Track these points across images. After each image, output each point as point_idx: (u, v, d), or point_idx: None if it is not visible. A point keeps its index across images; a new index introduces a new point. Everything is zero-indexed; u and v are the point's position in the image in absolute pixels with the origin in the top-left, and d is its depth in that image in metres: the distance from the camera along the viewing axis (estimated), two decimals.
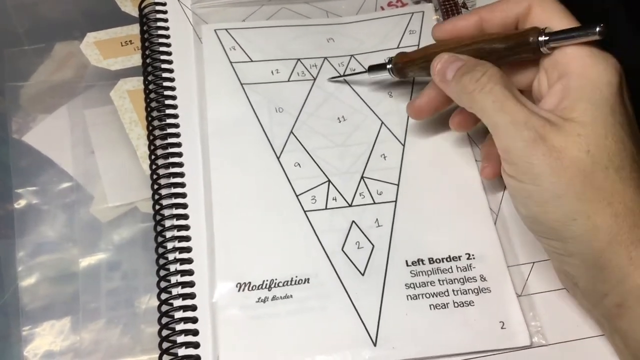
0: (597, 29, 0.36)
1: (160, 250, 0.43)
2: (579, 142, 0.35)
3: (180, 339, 0.41)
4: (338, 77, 0.51)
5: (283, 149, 0.47)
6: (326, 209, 0.45)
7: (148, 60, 0.50)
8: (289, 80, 0.50)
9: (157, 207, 0.45)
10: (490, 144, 0.44)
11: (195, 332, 0.41)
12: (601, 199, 0.35)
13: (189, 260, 0.43)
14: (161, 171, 0.46)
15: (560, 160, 0.35)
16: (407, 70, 0.46)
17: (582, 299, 0.40)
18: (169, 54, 0.50)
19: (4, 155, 0.50)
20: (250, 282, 0.42)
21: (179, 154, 0.46)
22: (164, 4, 0.52)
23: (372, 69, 0.49)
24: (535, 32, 0.39)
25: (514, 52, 0.40)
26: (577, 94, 0.37)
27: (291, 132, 0.48)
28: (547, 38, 0.38)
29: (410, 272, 0.43)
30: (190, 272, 0.42)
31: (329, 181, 0.46)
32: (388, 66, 0.47)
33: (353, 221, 0.45)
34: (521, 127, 0.36)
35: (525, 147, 0.36)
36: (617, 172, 0.35)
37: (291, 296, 0.42)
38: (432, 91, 0.45)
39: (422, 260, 0.43)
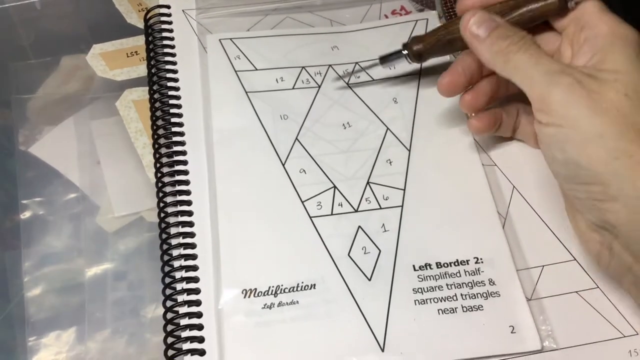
0: None
1: (166, 257, 0.43)
2: (616, 86, 0.36)
3: (186, 346, 0.40)
4: (346, 76, 0.51)
5: (288, 155, 0.47)
6: (332, 214, 0.45)
7: (153, 71, 0.50)
8: (293, 88, 0.50)
9: (163, 215, 0.44)
10: (479, 93, 0.45)
11: (201, 339, 0.40)
12: None
13: (195, 268, 0.42)
14: (166, 179, 0.46)
15: (599, 102, 0.36)
16: (428, 50, 0.46)
17: (620, 257, 0.38)
18: (174, 63, 0.50)
19: (11, 166, 0.50)
20: (256, 289, 0.42)
21: (185, 162, 0.46)
22: (169, 15, 0.53)
23: (384, 59, 0.48)
24: None
25: (542, 15, 0.41)
26: (608, 48, 0.38)
27: (296, 139, 0.48)
28: None
29: (418, 277, 0.42)
30: (195, 279, 0.42)
31: (335, 187, 0.46)
32: (404, 52, 0.47)
33: (359, 226, 0.44)
34: (558, 74, 0.37)
35: (564, 92, 0.36)
36: None
37: (297, 302, 0.42)
38: (462, 63, 0.45)
39: (429, 265, 0.43)
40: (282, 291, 0.42)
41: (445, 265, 0.43)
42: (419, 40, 0.46)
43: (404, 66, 0.51)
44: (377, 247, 0.44)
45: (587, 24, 0.40)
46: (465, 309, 0.41)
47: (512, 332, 0.41)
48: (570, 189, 0.39)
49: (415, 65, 0.50)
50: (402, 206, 0.45)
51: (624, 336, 0.41)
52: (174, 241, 0.44)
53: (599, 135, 0.35)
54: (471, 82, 0.46)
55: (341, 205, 0.45)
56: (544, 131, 0.38)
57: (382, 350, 0.40)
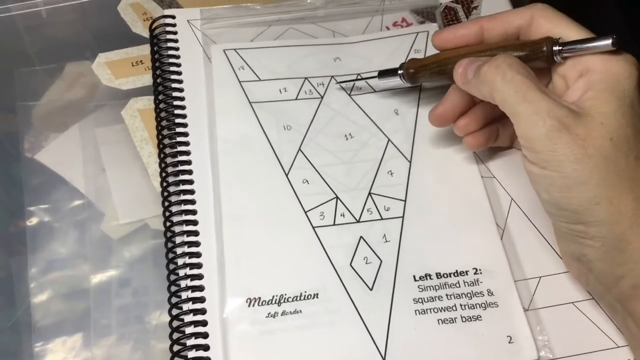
0: (611, 40, 0.38)
1: (171, 266, 0.44)
2: (602, 130, 0.36)
3: (191, 354, 0.41)
4: (348, 81, 0.51)
5: (291, 166, 0.48)
6: (334, 224, 0.46)
7: (158, 80, 0.51)
8: (296, 99, 0.51)
9: (168, 223, 0.45)
10: (473, 118, 0.46)
11: (206, 348, 0.41)
12: (623, 184, 0.36)
13: (200, 276, 0.43)
14: (172, 188, 0.46)
15: (584, 148, 0.36)
16: (419, 75, 0.47)
17: (595, 284, 0.41)
18: (179, 73, 0.51)
19: (17, 173, 0.50)
20: (260, 298, 0.43)
21: (189, 172, 0.47)
22: (174, 25, 0.53)
23: (383, 74, 0.49)
24: (550, 42, 0.40)
25: (527, 60, 0.41)
26: (599, 86, 0.38)
27: (299, 149, 0.49)
28: (560, 48, 0.40)
29: (418, 287, 0.43)
30: (200, 288, 0.43)
31: (337, 197, 0.47)
32: (399, 71, 0.48)
33: (361, 237, 0.45)
34: (544, 116, 0.37)
35: (549, 136, 0.36)
36: (636, 160, 0.37)
37: (300, 311, 0.42)
38: (453, 96, 0.46)
39: (429, 275, 0.44)
40: (286, 300, 0.43)
41: (445, 275, 0.44)
42: (414, 62, 0.47)
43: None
44: (378, 257, 0.44)
45: (580, 61, 0.39)
46: (464, 319, 0.42)
47: (509, 342, 0.42)
48: (554, 221, 0.40)
49: None
50: (402, 217, 0.46)
51: (618, 346, 0.42)
52: (179, 250, 0.44)
53: (582, 182, 0.36)
54: (462, 113, 0.46)
55: (343, 215, 0.46)
56: (529, 168, 0.39)
57: (383, 359, 0.41)
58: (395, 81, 0.49)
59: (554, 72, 0.42)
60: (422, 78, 0.47)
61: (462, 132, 0.46)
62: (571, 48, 0.39)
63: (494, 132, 0.47)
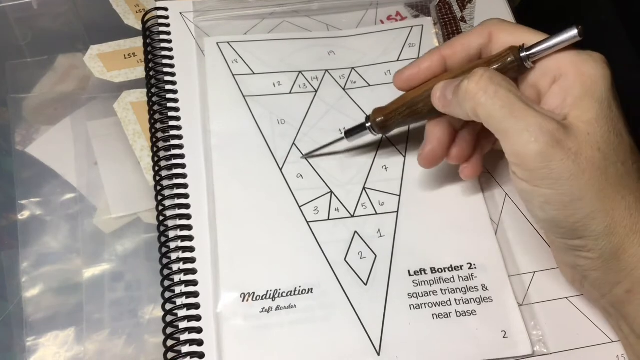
0: (576, 30, 0.36)
1: (165, 260, 0.44)
2: (590, 140, 0.35)
3: (185, 349, 0.41)
4: (313, 151, 0.48)
5: (285, 160, 0.48)
6: (329, 219, 0.46)
7: (151, 73, 0.50)
8: (290, 93, 0.51)
9: (161, 217, 0.45)
10: (464, 144, 0.44)
11: (200, 342, 0.41)
12: (616, 193, 0.36)
13: (193, 271, 0.43)
14: (165, 182, 0.46)
15: (578, 164, 0.35)
16: (390, 122, 0.45)
17: (590, 289, 0.41)
18: (172, 66, 0.51)
19: (8, 166, 0.50)
20: (254, 292, 0.43)
21: (183, 165, 0.47)
22: (167, 17, 0.53)
23: (350, 133, 0.47)
24: (515, 50, 0.39)
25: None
26: (577, 91, 0.37)
27: (293, 143, 0.49)
28: (528, 53, 0.38)
29: (413, 282, 0.43)
30: (194, 283, 0.43)
31: (331, 192, 0.47)
32: (367, 124, 0.46)
33: (355, 231, 0.45)
34: (536, 132, 0.35)
35: (542, 153, 0.35)
36: (623, 165, 0.36)
37: (295, 306, 0.42)
38: (435, 132, 0.43)
39: (424, 270, 0.44)
40: (280, 295, 0.43)
41: (440, 270, 0.44)
42: (380, 111, 0.45)
43: None
44: (373, 252, 0.44)
45: (550, 67, 0.38)
46: (459, 314, 0.42)
47: (504, 337, 0.42)
48: (550, 236, 0.40)
49: None
50: (397, 212, 0.46)
51: (612, 341, 0.42)
52: (172, 244, 0.44)
53: (579, 198, 0.35)
54: (449, 146, 0.44)
55: (338, 210, 0.46)
56: (521, 186, 0.37)
57: (378, 354, 0.41)
58: (366, 135, 0.47)
59: (523, 83, 0.40)
60: (394, 124, 0.45)
61: (458, 160, 0.44)
62: (539, 50, 0.38)
63: (484, 150, 0.46)
